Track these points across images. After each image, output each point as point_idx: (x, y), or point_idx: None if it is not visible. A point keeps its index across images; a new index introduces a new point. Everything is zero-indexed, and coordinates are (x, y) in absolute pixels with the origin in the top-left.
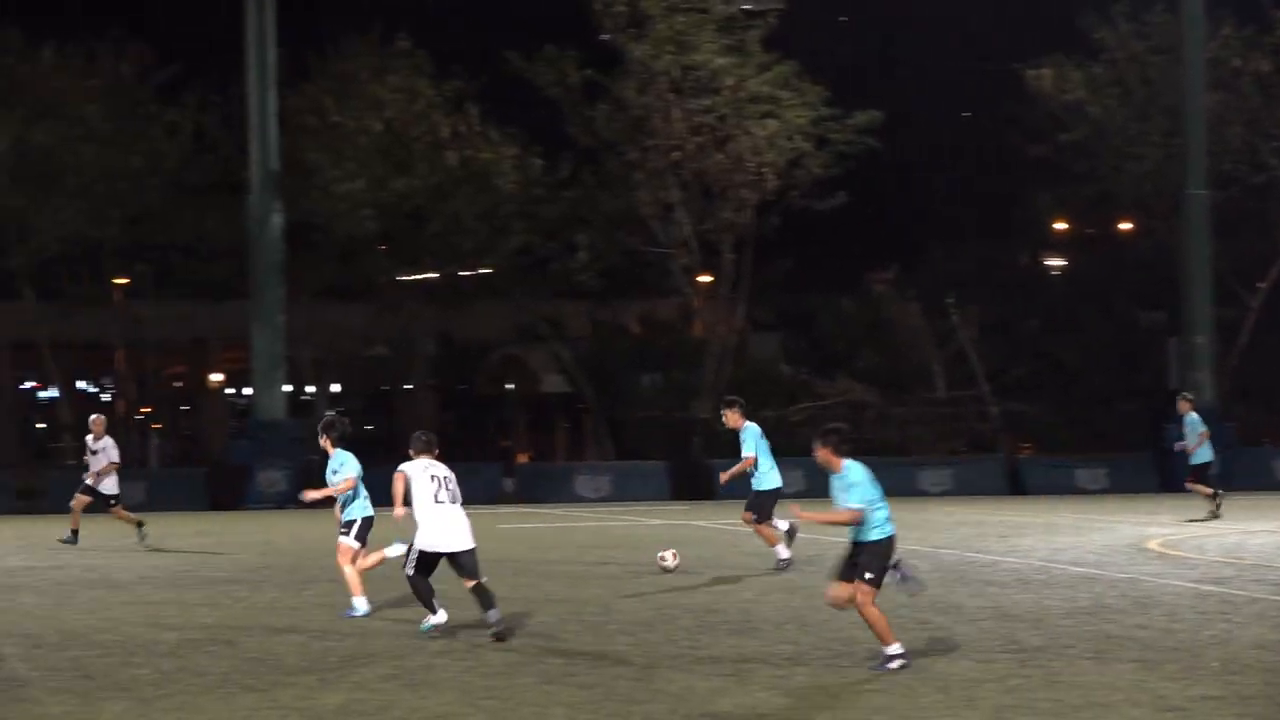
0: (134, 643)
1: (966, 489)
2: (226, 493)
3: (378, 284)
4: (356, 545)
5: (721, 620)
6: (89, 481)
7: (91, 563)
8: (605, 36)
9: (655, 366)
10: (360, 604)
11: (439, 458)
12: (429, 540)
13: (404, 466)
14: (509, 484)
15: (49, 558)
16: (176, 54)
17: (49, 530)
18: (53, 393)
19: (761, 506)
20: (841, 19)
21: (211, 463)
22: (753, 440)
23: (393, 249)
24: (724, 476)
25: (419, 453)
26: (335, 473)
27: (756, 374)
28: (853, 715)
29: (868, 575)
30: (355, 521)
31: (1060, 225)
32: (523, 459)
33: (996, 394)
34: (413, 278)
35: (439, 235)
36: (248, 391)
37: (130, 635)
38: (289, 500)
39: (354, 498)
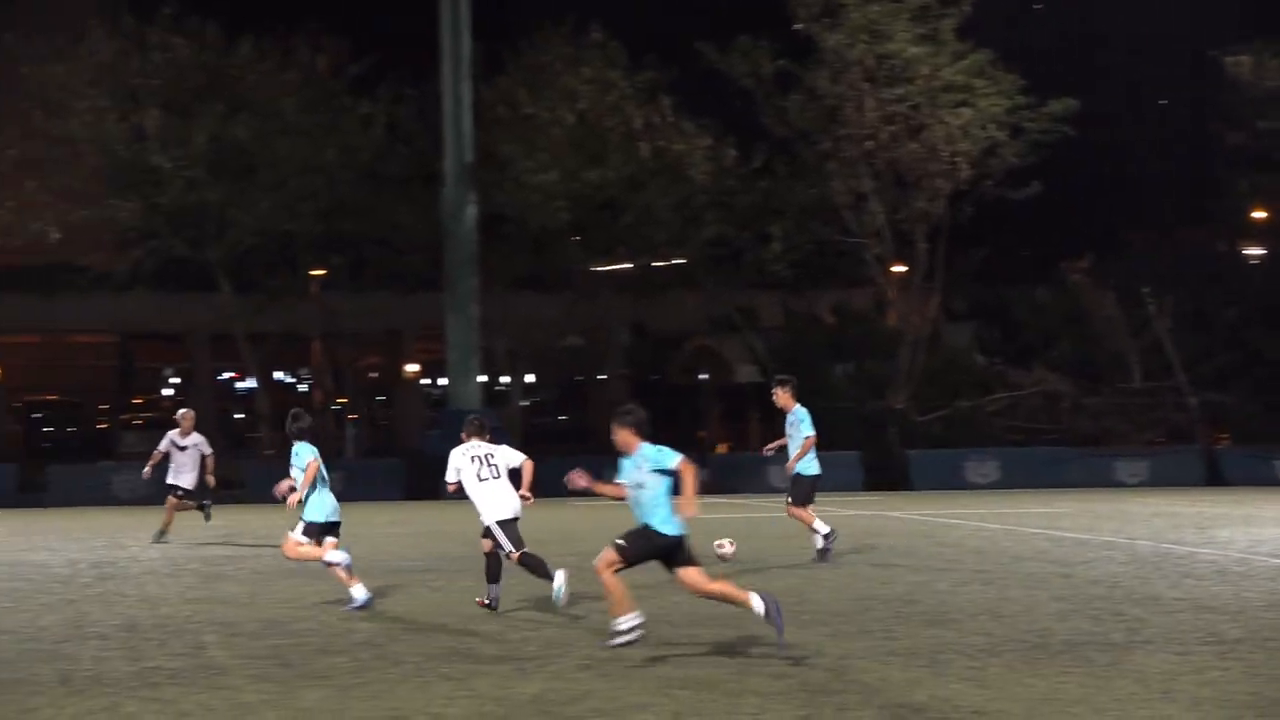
0: (331, 631)
1: (1163, 480)
2: (422, 482)
3: (571, 275)
4: (305, 539)
5: (917, 611)
6: (185, 485)
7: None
8: (799, 26)
9: (848, 357)
10: (359, 592)
11: (491, 440)
12: (492, 513)
13: (452, 454)
14: (702, 474)
15: (248, 547)
16: (371, 47)
17: (248, 520)
18: (250, 383)
19: (803, 491)
20: (1036, 6)
21: (407, 453)
22: (809, 421)
23: (586, 240)
24: (789, 465)
25: (469, 435)
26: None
27: (950, 364)
28: (1049, 708)
29: (619, 542)
30: (315, 523)
31: (1259, 214)
32: (723, 449)
33: (1194, 384)
34: (606, 268)
35: (632, 226)
36: (443, 382)
37: (327, 624)
38: None
39: (311, 495)
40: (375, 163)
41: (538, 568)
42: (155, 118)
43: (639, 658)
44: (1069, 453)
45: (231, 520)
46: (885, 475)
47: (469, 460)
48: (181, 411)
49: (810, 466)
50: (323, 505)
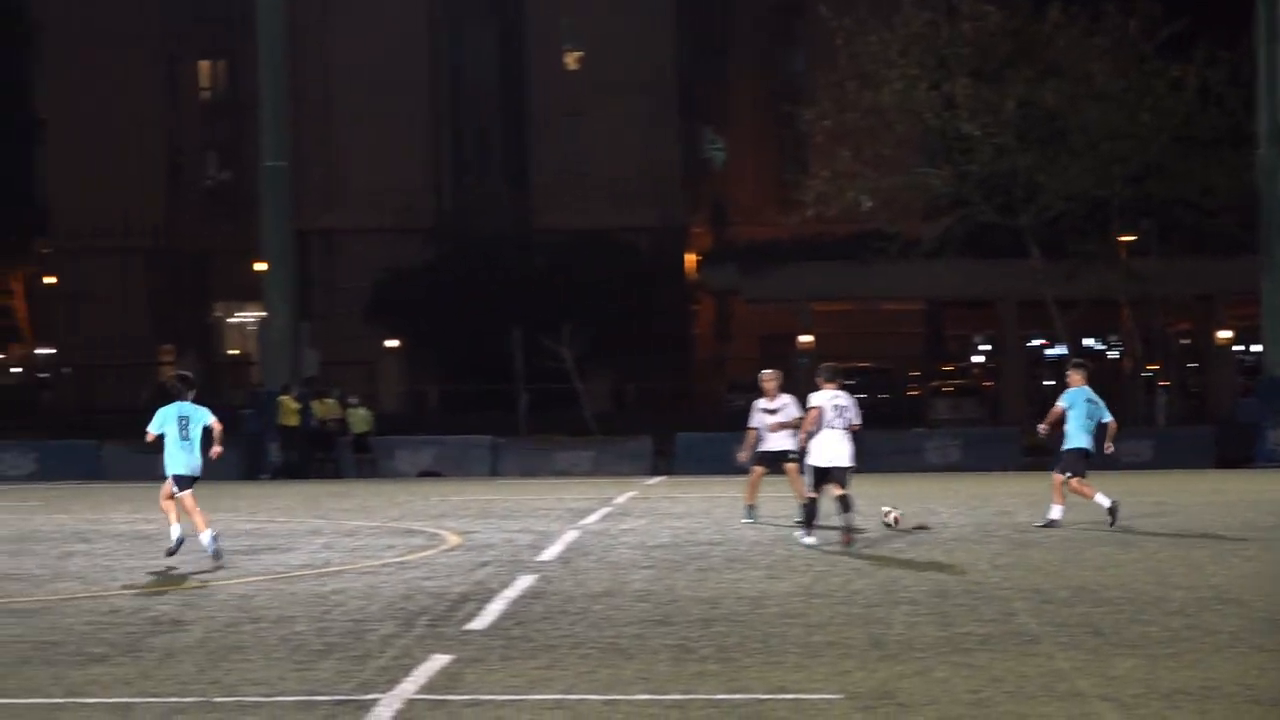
0: (1143, 599)
1: None
2: (1234, 451)
3: None
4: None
5: None
6: (789, 446)
7: (1096, 518)
8: None
9: None
10: (175, 531)
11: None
12: (819, 457)
13: (813, 398)
14: None
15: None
16: (1183, 9)
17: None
18: (1060, 350)
19: (1071, 464)
20: None
21: (1219, 420)
22: (1103, 405)
23: None
24: (1041, 427)
25: (826, 383)
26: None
27: None
28: None
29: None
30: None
31: None
32: None
33: None
34: None
35: None
36: (1256, 348)
37: (1139, 592)
38: None
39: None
40: (1186, 125)
41: (810, 516)
42: (965, 86)
43: None
44: None
45: (1038, 488)
46: None
47: (831, 407)
48: (765, 373)
49: (1077, 439)
50: (181, 460)
